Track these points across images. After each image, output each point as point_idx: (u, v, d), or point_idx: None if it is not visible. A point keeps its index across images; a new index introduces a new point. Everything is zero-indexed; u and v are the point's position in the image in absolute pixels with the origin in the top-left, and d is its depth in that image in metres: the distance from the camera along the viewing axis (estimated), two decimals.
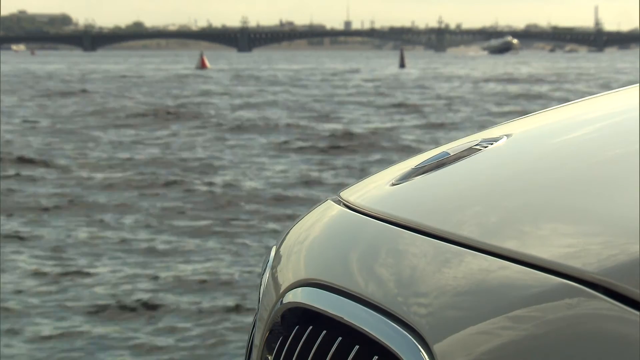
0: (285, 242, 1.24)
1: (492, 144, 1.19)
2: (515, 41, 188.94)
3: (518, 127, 1.32)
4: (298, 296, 1.07)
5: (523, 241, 0.87)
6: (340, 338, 0.97)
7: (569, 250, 0.83)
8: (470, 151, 1.18)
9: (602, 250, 0.81)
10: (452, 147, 1.24)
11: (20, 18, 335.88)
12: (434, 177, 1.14)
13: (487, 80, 42.29)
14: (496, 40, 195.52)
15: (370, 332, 0.93)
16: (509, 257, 0.86)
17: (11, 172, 12.82)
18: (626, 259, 0.78)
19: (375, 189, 1.23)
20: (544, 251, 0.84)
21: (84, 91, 33.25)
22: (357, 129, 18.68)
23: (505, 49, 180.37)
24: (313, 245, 1.16)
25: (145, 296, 6.75)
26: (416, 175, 1.17)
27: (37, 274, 7.39)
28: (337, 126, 19.34)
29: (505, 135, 1.22)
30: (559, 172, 1.02)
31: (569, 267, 0.80)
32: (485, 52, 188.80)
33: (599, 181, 0.95)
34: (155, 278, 7.26)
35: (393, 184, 1.18)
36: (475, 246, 0.90)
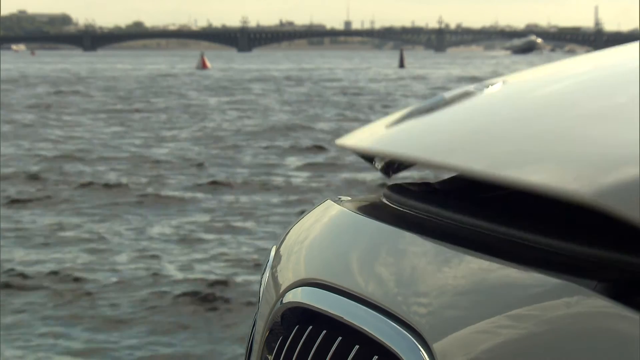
0: (285, 241, 1.25)
1: (487, 87, 1.20)
2: (539, 40, 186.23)
3: (517, 77, 1.33)
4: (298, 296, 1.07)
5: (518, 172, 0.89)
6: (340, 338, 0.97)
7: (564, 177, 0.84)
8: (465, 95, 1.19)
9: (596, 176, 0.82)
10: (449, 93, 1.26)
11: (20, 18, 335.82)
12: (429, 118, 1.15)
13: None
14: (519, 39, 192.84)
15: (370, 332, 0.93)
16: (506, 184, 0.88)
17: None
18: (614, 180, 0.79)
19: (372, 132, 1.23)
20: (540, 179, 0.85)
21: None
22: None
23: (528, 48, 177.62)
24: (313, 245, 1.16)
25: None
26: (411, 118, 1.18)
27: None
28: None
29: (502, 81, 1.24)
30: (550, 118, 1.03)
31: (568, 190, 0.81)
32: (508, 52, 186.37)
33: (583, 128, 0.96)
34: None
35: (388, 126, 1.19)
36: (472, 175, 0.92)
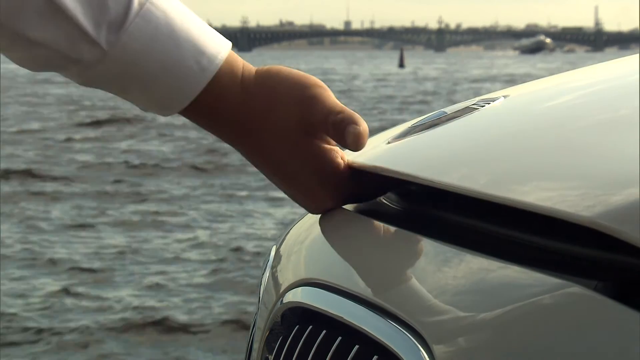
0: (285, 241, 1.25)
1: (489, 103, 1.20)
2: (548, 40, 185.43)
3: (518, 90, 1.33)
4: (298, 296, 1.07)
5: (517, 193, 0.89)
6: (340, 338, 0.97)
7: (563, 197, 0.84)
8: (466, 110, 1.19)
9: (597, 198, 0.82)
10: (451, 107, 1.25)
11: None
12: (429, 135, 1.15)
13: None
14: (527, 39, 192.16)
15: (370, 332, 0.93)
16: (503, 204, 0.88)
17: None
18: (609, 201, 0.80)
19: (372, 148, 1.23)
20: (537, 200, 0.86)
21: None
22: None
23: (537, 48, 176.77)
24: (313, 245, 1.16)
25: None
26: (412, 134, 1.18)
27: None
28: None
29: (503, 96, 1.23)
30: (550, 134, 1.03)
31: (562, 211, 0.81)
32: (517, 52, 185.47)
33: (584, 143, 0.96)
34: None
35: (389, 142, 1.19)
36: (469, 194, 0.92)
